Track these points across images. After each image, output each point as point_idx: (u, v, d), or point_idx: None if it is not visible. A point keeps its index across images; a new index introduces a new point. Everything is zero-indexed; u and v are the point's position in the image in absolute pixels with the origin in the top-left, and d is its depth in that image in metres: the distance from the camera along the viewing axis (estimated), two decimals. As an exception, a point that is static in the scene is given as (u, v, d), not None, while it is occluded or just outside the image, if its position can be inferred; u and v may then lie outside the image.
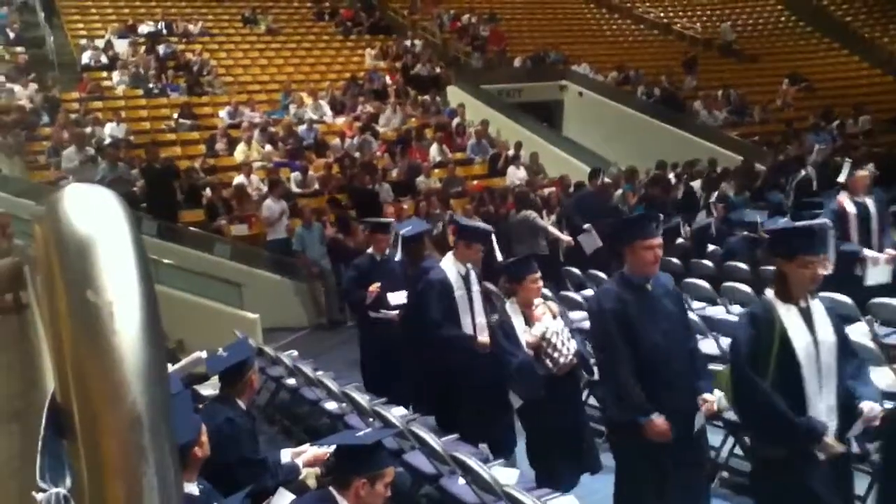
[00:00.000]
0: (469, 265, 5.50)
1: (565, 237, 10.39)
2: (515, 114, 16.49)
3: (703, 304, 7.73)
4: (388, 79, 16.93)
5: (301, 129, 14.23)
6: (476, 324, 5.40)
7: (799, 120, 17.64)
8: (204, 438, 3.43)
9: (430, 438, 4.71)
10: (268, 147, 13.48)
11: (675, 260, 9.23)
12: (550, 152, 15.25)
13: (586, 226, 10.21)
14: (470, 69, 18.12)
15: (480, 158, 14.61)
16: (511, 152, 14.57)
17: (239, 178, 11.95)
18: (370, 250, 6.83)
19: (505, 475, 4.22)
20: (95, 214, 0.80)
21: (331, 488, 3.23)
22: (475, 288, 5.48)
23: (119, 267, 0.78)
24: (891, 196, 11.29)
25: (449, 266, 5.45)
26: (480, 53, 18.77)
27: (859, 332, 6.13)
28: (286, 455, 4.30)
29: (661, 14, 22.22)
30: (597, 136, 16.61)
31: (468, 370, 5.25)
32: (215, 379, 4.69)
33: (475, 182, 13.53)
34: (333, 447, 3.58)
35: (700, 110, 17.41)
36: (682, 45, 20.92)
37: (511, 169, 13.86)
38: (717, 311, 7.35)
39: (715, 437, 5.02)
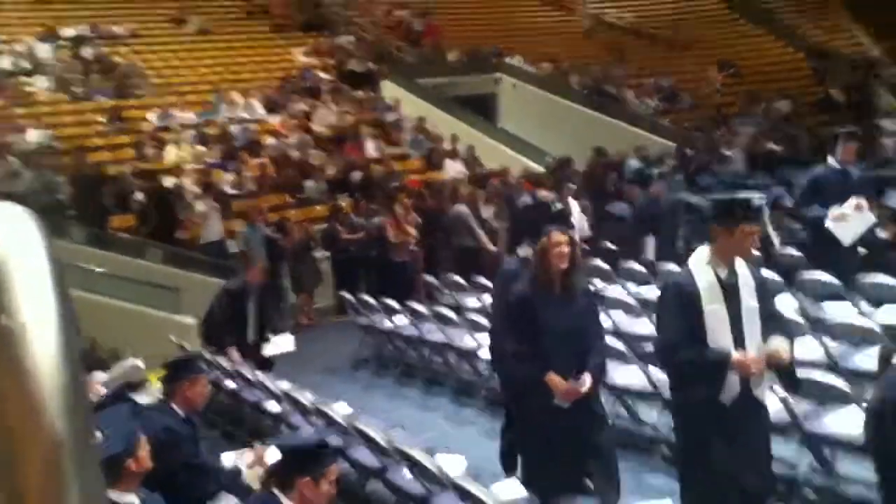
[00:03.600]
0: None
1: (490, 246, 10.49)
2: (451, 107, 16.55)
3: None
4: (321, 76, 16.82)
5: (234, 129, 14.03)
6: None
7: (727, 105, 18.13)
8: (142, 452, 3.39)
9: (374, 433, 4.75)
10: (200, 148, 13.26)
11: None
12: (487, 145, 15.37)
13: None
14: (405, 64, 18.11)
15: (417, 153, 14.64)
16: (448, 146, 14.64)
17: (170, 181, 11.75)
18: None
19: (451, 465, 4.28)
20: (5, 232, 0.78)
21: (275, 490, 3.24)
22: None
23: (33, 287, 0.77)
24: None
25: None
26: (415, 48, 18.77)
27: (787, 306, 6.40)
28: (228, 459, 4.28)
29: (592, 4, 22.52)
30: (533, 128, 16.78)
31: None
32: (152, 387, 4.64)
33: (413, 177, 13.55)
34: (276, 448, 3.59)
35: (632, 99, 17.76)
36: (612, 35, 21.27)
37: (448, 162, 13.93)
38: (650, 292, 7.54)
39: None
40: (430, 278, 9.67)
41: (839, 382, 4.20)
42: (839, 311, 5.96)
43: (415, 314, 7.85)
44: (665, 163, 13.59)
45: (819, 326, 5.53)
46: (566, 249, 3.98)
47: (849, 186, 6.60)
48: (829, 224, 6.39)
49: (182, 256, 10.81)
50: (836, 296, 6.32)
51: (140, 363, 5.83)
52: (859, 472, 4.14)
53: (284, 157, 13.22)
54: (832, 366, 5.06)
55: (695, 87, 18.83)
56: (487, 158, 14.52)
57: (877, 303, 6.05)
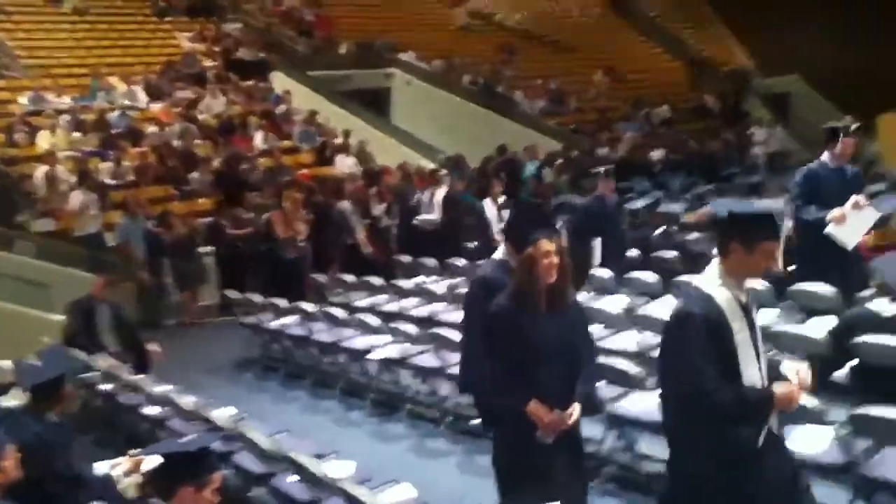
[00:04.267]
0: None
1: (366, 247, 10.43)
2: (343, 101, 16.37)
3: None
4: (207, 63, 16.26)
5: (113, 116, 13.37)
6: None
7: (611, 109, 18.77)
8: (8, 461, 3.17)
9: (260, 437, 4.63)
10: (75, 135, 12.57)
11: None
12: (380, 141, 15.28)
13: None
14: (296, 55, 17.76)
15: (308, 146, 14.40)
16: (339, 140, 14.47)
17: (42, 169, 11.08)
18: None
19: (339, 469, 4.22)
20: None
21: (153, 499, 3.11)
22: None
23: None
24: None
25: None
26: (307, 39, 18.44)
27: (664, 305, 6.66)
28: (102, 467, 4.07)
29: (483, 3, 22.79)
30: (426, 125, 16.82)
31: None
32: (18, 389, 4.37)
33: (303, 171, 13.31)
34: (154, 455, 3.44)
35: (521, 99, 18.10)
36: (503, 35, 21.61)
37: (339, 157, 13.77)
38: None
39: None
40: (319, 276, 9.53)
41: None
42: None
43: (303, 313, 7.71)
44: (555, 164, 13.91)
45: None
46: (556, 260, 3.48)
47: (845, 186, 6.06)
48: (829, 230, 5.82)
49: (54, 250, 10.21)
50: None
51: (8, 365, 5.48)
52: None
53: (167, 147, 12.70)
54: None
55: (580, 91, 19.38)
56: (379, 155, 14.44)
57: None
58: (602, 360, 5.01)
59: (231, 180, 11.98)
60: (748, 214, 3.03)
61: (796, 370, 3.00)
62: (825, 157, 6.17)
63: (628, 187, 12.61)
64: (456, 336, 5.88)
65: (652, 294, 6.95)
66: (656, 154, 14.46)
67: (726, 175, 11.82)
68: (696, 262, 7.49)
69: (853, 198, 5.86)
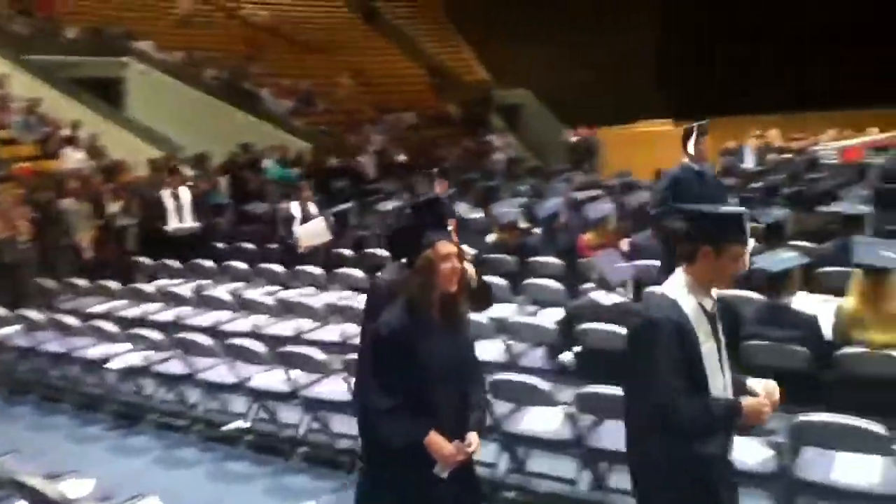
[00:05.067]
0: None
1: (87, 251, 9.74)
2: (71, 90, 14.98)
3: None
4: None
5: None
6: None
7: (359, 112, 19.09)
8: None
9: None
10: None
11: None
12: (113, 133, 14.21)
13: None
14: (14, 36, 15.94)
15: (30, 138, 13.02)
16: (67, 132, 13.26)
17: None
18: None
19: (75, 489, 3.90)
20: None
21: None
22: None
23: None
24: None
25: None
26: (26, 18, 16.63)
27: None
28: None
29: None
30: (165, 118, 15.89)
31: None
32: None
33: (24, 165, 12.01)
34: None
35: (268, 97, 17.80)
36: (248, 31, 21.10)
37: (67, 151, 12.62)
38: (289, 294, 7.65)
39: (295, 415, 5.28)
40: (46, 281, 8.68)
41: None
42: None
43: (28, 322, 6.98)
44: (302, 164, 13.87)
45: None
46: (458, 265, 3.06)
47: (707, 187, 6.17)
48: None
49: None
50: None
51: None
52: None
53: None
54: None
55: (328, 92, 19.49)
56: (114, 148, 13.43)
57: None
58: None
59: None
60: (718, 215, 2.86)
61: (762, 385, 2.89)
62: (685, 159, 6.24)
63: (377, 189, 12.95)
64: (205, 340, 5.70)
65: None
66: (401, 158, 14.98)
67: (466, 179, 12.54)
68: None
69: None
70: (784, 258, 4.75)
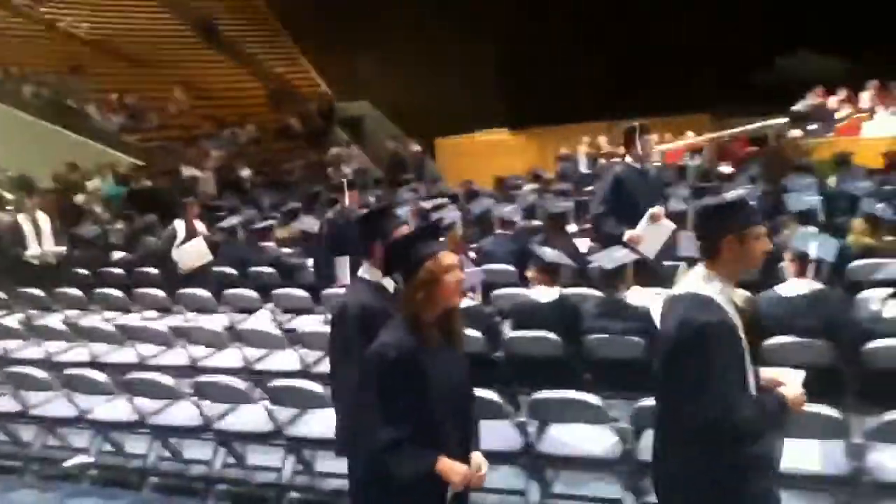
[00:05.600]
0: None
1: None
2: None
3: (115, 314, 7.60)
4: None
5: None
6: None
7: (195, 127, 18.45)
8: None
9: None
10: None
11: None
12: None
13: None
14: None
15: None
16: None
17: None
18: None
19: None
20: None
21: None
22: None
23: None
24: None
25: None
26: None
27: (264, 319, 6.84)
28: None
29: (45, 10, 20.71)
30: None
31: None
32: None
33: None
34: None
35: (95, 114, 16.86)
36: (70, 46, 19.89)
37: None
38: (130, 319, 7.29)
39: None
40: None
41: (315, 387, 4.63)
42: (308, 323, 6.56)
43: None
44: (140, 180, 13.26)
45: (293, 337, 6.03)
46: (461, 276, 2.89)
47: (649, 186, 6.25)
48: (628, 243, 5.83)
49: None
50: (307, 309, 6.99)
51: None
52: (335, 467, 4.54)
53: None
54: (306, 372, 5.60)
55: (160, 107, 18.72)
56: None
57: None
58: (208, 378, 5.00)
59: None
60: (731, 203, 2.79)
61: (789, 374, 2.84)
62: (628, 159, 6.28)
63: (217, 206, 12.56)
64: (38, 373, 5.32)
65: (250, 309, 7.07)
66: (245, 172, 14.63)
67: (312, 192, 12.43)
68: (291, 276, 7.85)
69: (649, 211, 5.99)
70: (617, 256, 5.08)
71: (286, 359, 5.86)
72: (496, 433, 4.09)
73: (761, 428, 2.67)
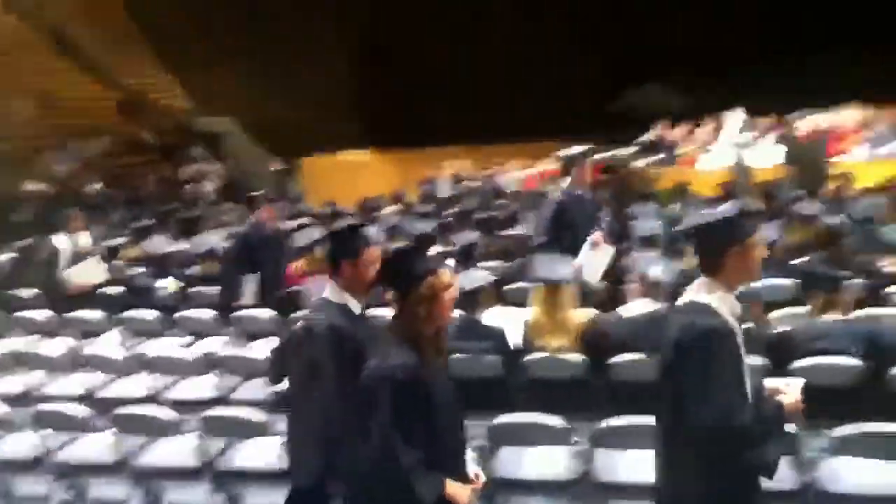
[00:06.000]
0: None
1: None
2: None
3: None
4: None
5: None
6: None
7: (39, 138, 17.35)
8: None
9: None
10: None
11: None
12: None
13: None
14: None
15: None
16: None
17: None
18: None
19: None
20: None
21: None
22: None
23: None
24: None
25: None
26: None
27: (110, 342, 6.49)
28: None
29: None
30: None
31: None
32: None
33: None
34: None
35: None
36: None
37: None
38: None
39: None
40: None
41: (166, 413, 4.46)
42: (159, 347, 6.30)
43: None
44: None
45: (142, 362, 5.78)
46: (456, 294, 2.92)
47: (587, 212, 6.41)
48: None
49: None
50: (156, 332, 6.71)
51: None
52: (185, 496, 4.41)
53: None
54: (155, 398, 5.38)
55: (1, 116, 17.48)
56: None
57: (196, 335, 6.58)
58: (49, 406, 4.70)
59: None
60: (735, 216, 2.82)
61: (785, 384, 2.91)
62: (567, 185, 6.44)
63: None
64: None
65: (96, 332, 6.72)
66: (93, 186, 13.91)
67: (167, 209, 11.96)
68: (143, 296, 7.48)
69: (590, 239, 6.14)
70: (476, 277, 5.22)
71: (134, 384, 5.61)
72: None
73: (760, 433, 2.69)
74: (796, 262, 6.35)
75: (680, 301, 2.87)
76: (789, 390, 2.85)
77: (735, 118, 13.93)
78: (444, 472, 2.81)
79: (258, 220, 7.54)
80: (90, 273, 7.67)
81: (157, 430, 4.46)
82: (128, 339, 6.65)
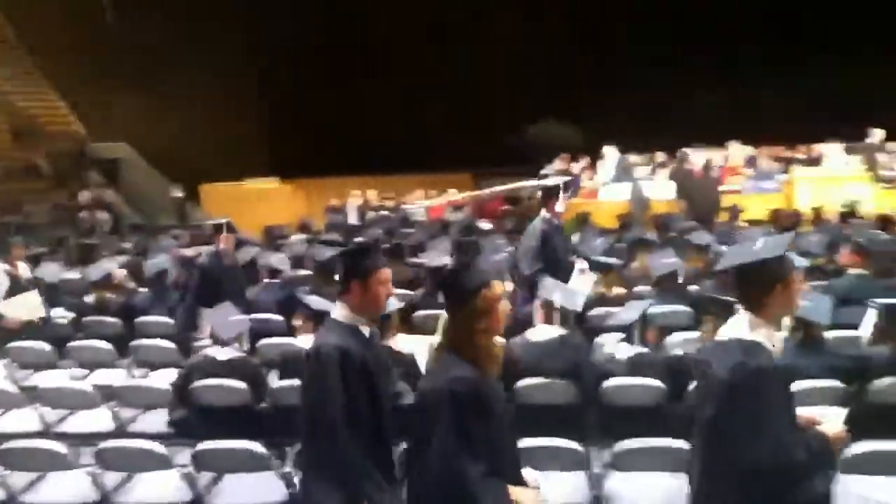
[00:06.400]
0: None
1: None
2: None
3: None
4: None
5: None
6: None
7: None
8: None
9: None
10: None
11: None
12: None
13: None
14: None
15: None
16: None
17: None
18: None
19: None
20: None
21: None
22: None
23: None
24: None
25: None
26: None
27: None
28: None
29: None
30: None
31: None
32: None
33: None
34: None
35: None
36: None
37: None
38: None
39: None
40: None
41: (58, 447, 4.24)
42: (51, 378, 6.02)
43: None
44: None
45: (32, 395, 5.50)
46: (508, 307, 2.91)
47: (564, 240, 6.74)
48: (556, 298, 5.63)
49: None
50: (49, 364, 6.40)
51: None
52: None
53: None
54: (46, 432, 5.12)
55: None
56: None
57: (90, 366, 6.32)
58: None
59: None
60: (777, 257, 2.79)
61: (821, 414, 2.94)
62: (546, 215, 6.59)
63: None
64: None
65: (45, 365, 6.39)
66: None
67: (58, 237, 11.49)
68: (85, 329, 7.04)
69: (578, 266, 6.36)
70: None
71: (23, 418, 5.32)
72: (259, 485, 4.03)
73: (811, 467, 2.73)
74: (691, 288, 6.66)
75: (725, 336, 2.85)
76: (828, 420, 2.88)
77: (611, 154, 14.46)
78: (506, 481, 2.83)
79: (219, 251, 7.33)
80: (30, 307, 6.94)
81: (48, 464, 4.24)
82: (16, 372, 6.31)
